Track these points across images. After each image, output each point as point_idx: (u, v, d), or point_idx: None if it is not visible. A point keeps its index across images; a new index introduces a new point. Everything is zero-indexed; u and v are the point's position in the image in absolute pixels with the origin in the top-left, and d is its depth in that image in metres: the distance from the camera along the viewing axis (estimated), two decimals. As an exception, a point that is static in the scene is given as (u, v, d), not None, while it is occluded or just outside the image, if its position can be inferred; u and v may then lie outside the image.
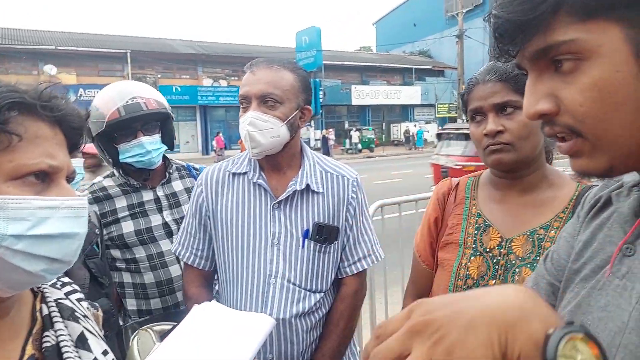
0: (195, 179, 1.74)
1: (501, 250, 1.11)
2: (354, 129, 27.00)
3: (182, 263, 1.61)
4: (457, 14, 22.50)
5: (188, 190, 1.79)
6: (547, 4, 0.47)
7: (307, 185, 1.34)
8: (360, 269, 1.41)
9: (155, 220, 1.72)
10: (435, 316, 0.40)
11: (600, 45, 0.46)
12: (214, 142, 23.54)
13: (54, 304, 0.73)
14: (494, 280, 1.11)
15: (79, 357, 0.69)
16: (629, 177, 0.61)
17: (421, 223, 1.32)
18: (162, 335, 1.08)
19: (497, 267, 1.11)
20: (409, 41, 37.88)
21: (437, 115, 31.46)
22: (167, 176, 1.79)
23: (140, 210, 1.71)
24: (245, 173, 1.38)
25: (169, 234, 1.72)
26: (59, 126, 0.66)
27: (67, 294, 0.78)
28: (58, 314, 0.71)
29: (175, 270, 1.71)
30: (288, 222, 1.33)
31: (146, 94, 1.67)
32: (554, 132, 0.52)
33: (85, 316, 0.78)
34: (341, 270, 1.41)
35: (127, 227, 1.68)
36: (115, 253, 1.69)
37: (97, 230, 1.41)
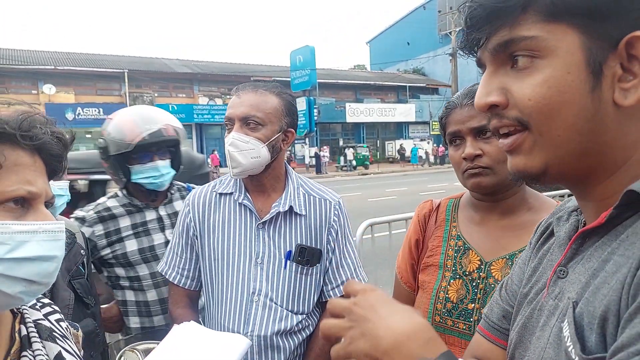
0: None
1: (480, 274, 1.12)
2: (349, 146, 27.15)
3: None
4: (450, 33, 22.90)
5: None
6: None
7: (290, 207, 1.37)
8: (344, 293, 1.43)
9: (158, 238, 1.78)
10: (357, 312, 0.53)
11: (557, 46, 0.49)
12: (209, 160, 23.60)
13: (32, 324, 0.74)
14: (473, 304, 1.11)
15: None
16: (571, 203, 0.64)
17: (402, 244, 1.33)
18: (148, 354, 1.09)
19: (476, 290, 1.11)
20: (403, 59, 38.38)
21: (431, 133, 31.68)
22: (169, 196, 1.85)
23: (144, 229, 1.77)
24: (231, 193, 1.41)
25: None
26: (38, 154, 0.68)
27: (46, 315, 0.80)
28: (36, 335, 0.73)
29: None
30: (271, 242, 1.36)
31: (165, 121, 1.75)
32: (501, 124, 0.55)
33: (63, 336, 0.79)
34: (324, 293, 1.43)
35: (131, 245, 1.74)
36: (120, 271, 1.74)
37: (83, 251, 1.42)
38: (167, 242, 1.73)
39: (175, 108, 24.77)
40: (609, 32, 0.48)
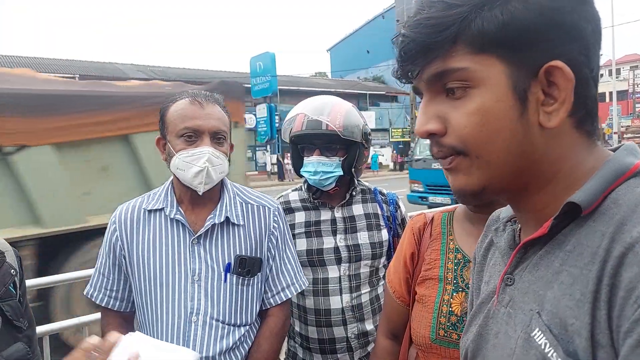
0: (380, 205, 1.70)
1: None
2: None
3: (344, 296, 1.58)
4: (407, 42, 23.32)
5: (368, 217, 1.67)
6: (449, 32, 0.52)
7: (227, 218, 1.32)
8: (284, 299, 1.39)
9: (328, 242, 1.62)
10: None
11: (487, 76, 0.52)
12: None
13: None
14: None
15: None
16: (505, 213, 0.69)
17: (394, 258, 1.27)
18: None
19: None
20: (363, 67, 38.92)
21: (391, 140, 32.21)
22: (348, 198, 1.67)
23: (316, 230, 1.64)
24: (161, 209, 1.33)
25: (338, 260, 1.60)
26: None
27: None
28: None
29: (335, 302, 1.59)
30: (208, 257, 1.29)
31: (335, 115, 1.58)
32: (440, 152, 0.57)
33: None
34: (265, 301, 1.39)
35: (301, 245, 1.61)
36: None
37: (13, 271, 1.26)
38: (335, 248, 1.61)
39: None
40: (530, 62, 0.52)
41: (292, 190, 1.74)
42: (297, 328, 1.68)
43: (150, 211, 1.34)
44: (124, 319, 1.39)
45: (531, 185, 0.56)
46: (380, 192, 1.75)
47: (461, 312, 1.06)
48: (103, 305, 1.37)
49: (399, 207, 1.74)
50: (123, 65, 28.60)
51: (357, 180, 1.71)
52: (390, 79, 38.10)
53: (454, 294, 1.09)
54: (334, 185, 1.62)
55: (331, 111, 1.58)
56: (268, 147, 24.58)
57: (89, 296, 1.38)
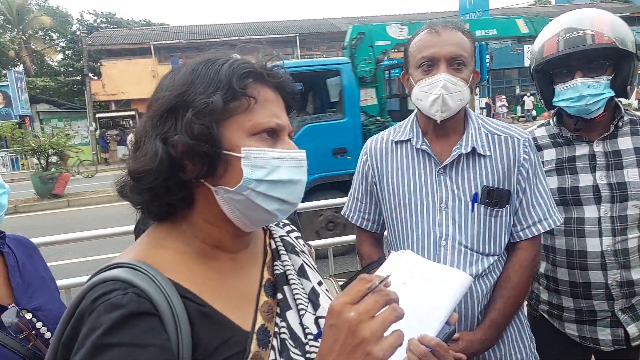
0: None
1: None
2: (528, 94, 24.39)
3: (604, 238, 1.46)
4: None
5: (638, 151, 1.46)
6: None
7: (473, 149, 1.32)
8: (536, 233, 1.34)
9: (585, 180, 1.48)
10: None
11: None
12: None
13: (279, 239, 0.87)
14: None
15: (301, 284, 0.81)
16: None
17: None
18: (342, 287, 1.16)
19: None
20: (599, -15, 32.12)
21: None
22: (612, 129, 1.48)
23: (569, 166, 1.51)
24: (408, 140, 1.40)
25: (597, 200, 1.47)
26: (278, 91, 0.77)
27: (287, 232, 0.92)
28: (283, 248, 0.85)
29: (592, 245, 1.47)
30: (455, 186, 1.32)
31: (599, 25, 1.39)
32: None
33: (302, 251, 0.90)
34: (514, 234, 1.35)
35: (551, 183, 1.49)
36: None
37: None
38: (595, 187, 1.46)
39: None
40: None
41: (538, 127, 1.63)
42: (541, 269, 1.61)
43: (397, 142, 1.41)
44: (375, 238, 1.55)
45: None
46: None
47: None
48: (357, 225, 1.53)
49: None
50: (335, 19, 30.18)
51: (624, 109, 1.48)
52: (638, -5, 30.66)
53: None
54: (602, 110, 1.43)
55: (594, 22, 1.40)
56: (477, 89, 23.13)
57: (346, 216, 1.56)
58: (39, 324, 1.07)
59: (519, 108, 24.09)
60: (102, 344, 0.59)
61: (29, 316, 1.06)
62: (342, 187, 5.42)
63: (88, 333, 0.60)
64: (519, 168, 1.32)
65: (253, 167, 0.71)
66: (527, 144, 1.34)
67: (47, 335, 1.07)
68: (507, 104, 22.99)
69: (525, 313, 1.53)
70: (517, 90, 27.00)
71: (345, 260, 4.70)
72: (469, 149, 1.31)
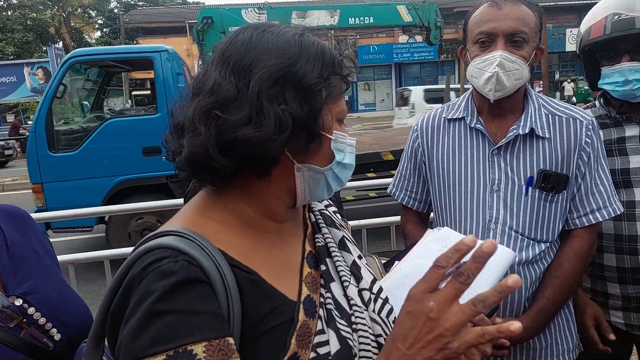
0: None
1: None
2: (568, 79, 23.59)
3: None
4: None
5: None
6: None
7: (532, 130, 1.25)
8: (593, 222, 1.28)
9: (636, 161, 1.45)
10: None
11: None
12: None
13: (318, 213, 0.88)
14: None
15: (342, 257, 0.81)
16: None
17: None
18: (385, 265, 1.15)
19: None
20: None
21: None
22: None
23: (619, 148, 1.47)
24: (462, 118, 1.35)
25: None
26: (344, 82, 0.79)
27: (326, 207, 0.92)
28: (323, 222, 0.86)
29: None
30: (509, 168, 1.27)
31: None
32: None
33: (341, 225, 0.91)
34: (569, 221, 1.30)
35: None
36: None
37: None
38: None
39: (376, 49, 25.08)
40: None
41: (585, 108, 1.58)
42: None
43: (450, 120, 1.37)
44: (420, 217, 1.51)
45: None
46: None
47: None
48: (404, 204, 1.51)
49: None
50: (372, 1, 29.52)
51: None
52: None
53: None
54: None
55: None
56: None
57: (391, 194, 1.53)
58: (31, 310, 0.92)
59: (557, 94, 23.21)
60: (155, 311, 0.59)
61: (19, 302, 0.92)
62: (155, 190, 4.91)
63: (140, 300, 0.60)
64: (580, 152, 1.26)
65: (337, 151, 0.76)
66: (590, 126, 1.27)
67: (42, 321, 0.93)
68: (541, 89, 22.18)
69: None
70: (557, 76, 26.02)
71: (375, 242, 4.68)
72: (527, 130, 1.25)
